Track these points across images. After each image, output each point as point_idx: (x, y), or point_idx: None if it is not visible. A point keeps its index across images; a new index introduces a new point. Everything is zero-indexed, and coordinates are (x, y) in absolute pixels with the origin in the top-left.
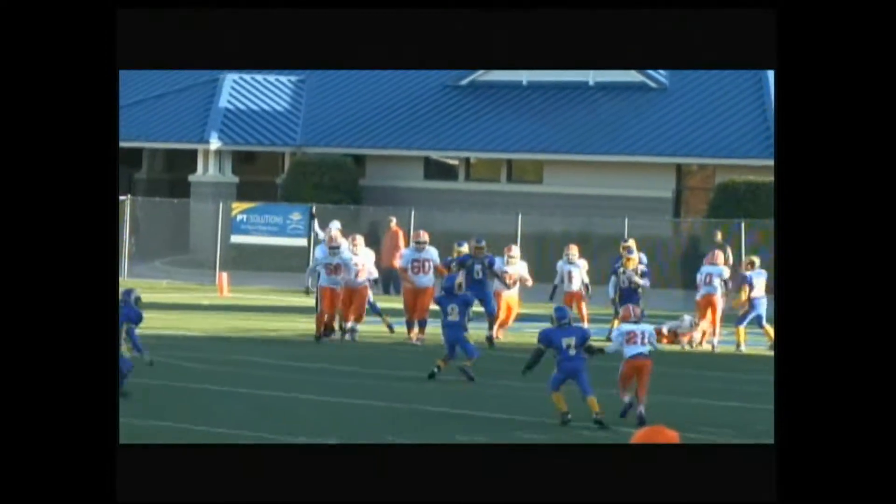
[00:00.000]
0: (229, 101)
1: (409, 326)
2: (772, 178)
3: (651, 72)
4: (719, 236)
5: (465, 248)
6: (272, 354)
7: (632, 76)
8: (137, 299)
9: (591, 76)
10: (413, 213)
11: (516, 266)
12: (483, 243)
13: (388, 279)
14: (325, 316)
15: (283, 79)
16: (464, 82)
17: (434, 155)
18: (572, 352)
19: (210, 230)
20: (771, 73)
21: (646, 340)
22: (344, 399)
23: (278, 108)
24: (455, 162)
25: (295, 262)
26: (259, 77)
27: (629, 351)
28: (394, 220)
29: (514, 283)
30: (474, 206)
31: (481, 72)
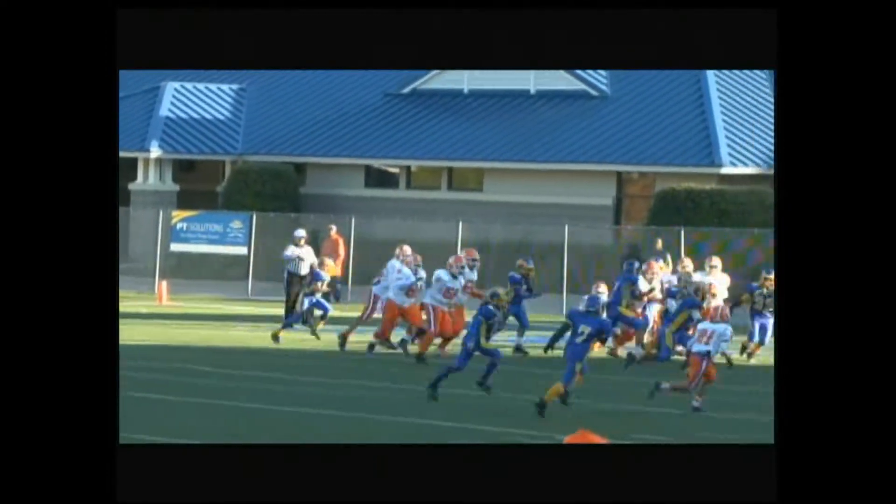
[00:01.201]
0: (170, 110)
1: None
2: (711, 186)
3: (592, 79)
4: (660, 244)
5: (531, 265)
6: (215, 363)
7: (573, 84)
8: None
9: (533, 84)
10: (353, 221)
11: (656, 281)
12: (531, 263)
13: (329, 287)
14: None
15: (225, 87)
16: (405, 90)
17: (375, 163)
18: (580, 339)
19: (150, 238)
20: (712, 79)
21: (710, 341)
22: (286, 408)
23: (219, 116)
24: (396, 170)
25: (235, 271)
26: (200, 85)
27: (693, 347)
28: (334, 229)
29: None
30: (415, 214)
31: (423, 80)
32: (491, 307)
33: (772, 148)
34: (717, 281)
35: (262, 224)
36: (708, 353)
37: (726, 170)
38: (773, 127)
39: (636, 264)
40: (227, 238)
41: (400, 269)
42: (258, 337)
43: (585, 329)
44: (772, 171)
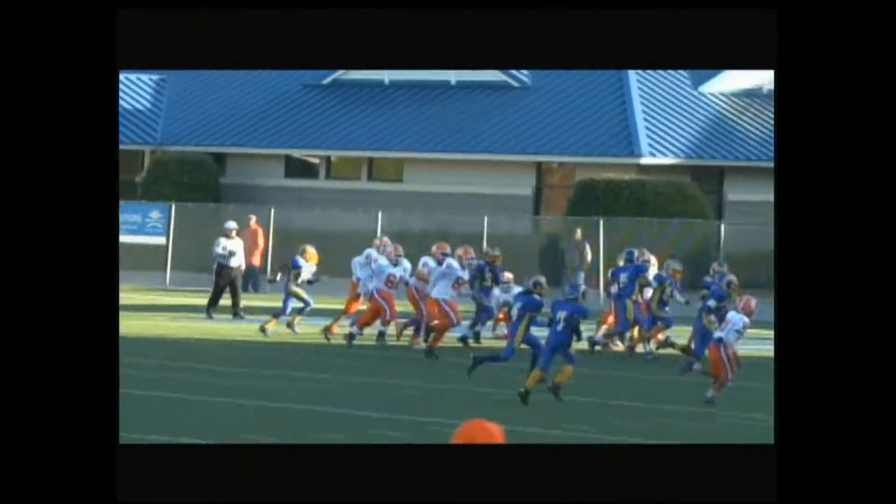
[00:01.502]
0: None
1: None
2: (630, 176)
3: (513, 70)
4: (579, 234)
5: (497, 253)
6: (135, 353)
7: (494, 75)
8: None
9: (453, 75)
10: (273, 211)
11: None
12: (497, 252)
13: (248, 277)
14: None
15: (145, 77)
16: (325, 81)
17: (295, 153)
18: (559, 326)
19: None
20: (631, 72)
21: (723, 328)
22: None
23: (139, 106)
24: (316, 160)
25: (153, 261)
26: (120, 75)
27: (714, 335)
28: (253, 219)
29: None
30: (335, 205)
31: (343, 70)
32: (536, 297)
33: (690, 139)
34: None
35: (182, 214)
36: (721, 340)
37: (645, 160)
38: (691, 118)
39: (635, 252)
40: (145, 228)
41: (376, 260)
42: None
43: (562, 315)
44: (690, 162)
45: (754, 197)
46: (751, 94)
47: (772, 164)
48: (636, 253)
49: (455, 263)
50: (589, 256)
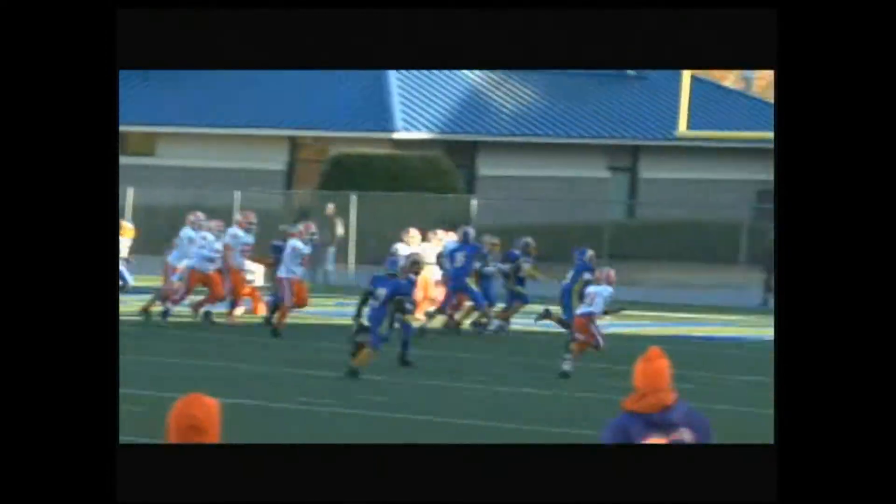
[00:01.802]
0: None
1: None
2: (384, 151)
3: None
4: (330, 209)
5: (295, 230)
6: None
7: None
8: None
9: None
10: None
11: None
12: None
13: None
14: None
15: None
16: None
17: None
18: (376, 303)
19: None
20: None
21: (594, 302)
22: None
23: None
24: None
25: None
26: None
27: (578, 310)
28: None
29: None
30: None
31: None
32: (402, 281)
33: (444, 113)
34: (419, 250)
35: None
36: (591, 314)
37: (399, 135)
38: (446, 92)
39: (470, 232)
40: None
41: (205, 237)
42: None
43: (382, 292)
44: (444, 136)
45: (505, 172)
46: (506, 70)
47: (524, 139)
48: (470, 233)
49: (299, 244)
50: (340, 231)
